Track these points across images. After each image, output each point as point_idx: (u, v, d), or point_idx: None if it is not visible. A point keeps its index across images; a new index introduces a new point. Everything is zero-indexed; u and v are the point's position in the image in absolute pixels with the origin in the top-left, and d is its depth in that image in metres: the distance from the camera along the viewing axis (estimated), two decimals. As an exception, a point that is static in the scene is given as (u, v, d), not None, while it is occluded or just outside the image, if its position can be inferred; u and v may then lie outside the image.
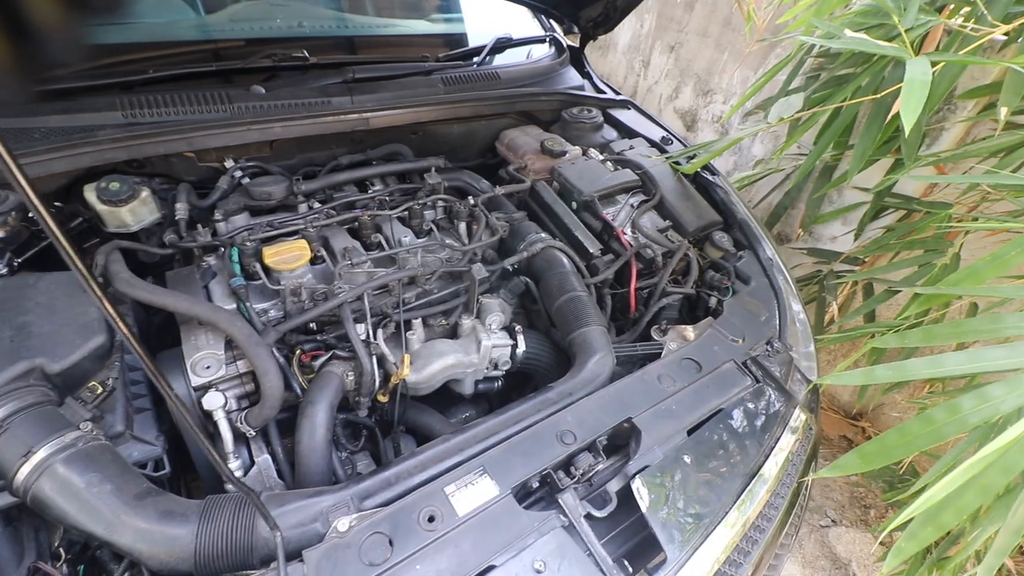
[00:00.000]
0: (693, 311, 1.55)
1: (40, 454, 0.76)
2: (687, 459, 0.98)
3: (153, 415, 0.96)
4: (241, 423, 0.98)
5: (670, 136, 1.89)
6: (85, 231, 1.16)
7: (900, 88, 0.98)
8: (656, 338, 1.31)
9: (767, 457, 1.03)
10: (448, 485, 0.86)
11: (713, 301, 1.47)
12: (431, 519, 0.81)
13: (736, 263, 1.52)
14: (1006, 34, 1.14)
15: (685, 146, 1.87)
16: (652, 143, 1.86)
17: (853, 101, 1.30)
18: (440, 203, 1.44)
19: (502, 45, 1.91)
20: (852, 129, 1.59)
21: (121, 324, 0.49)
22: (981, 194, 1.53)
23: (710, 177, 1.78)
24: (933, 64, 0.96)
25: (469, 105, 1.64)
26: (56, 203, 1.12)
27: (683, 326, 1.30)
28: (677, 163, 1.73)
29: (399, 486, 0.87)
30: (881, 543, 1.97)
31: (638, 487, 0.91)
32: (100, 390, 0.86)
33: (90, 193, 1.13)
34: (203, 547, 0.75)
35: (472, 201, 1.42)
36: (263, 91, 1.39)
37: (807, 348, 1.38)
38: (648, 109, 3.11)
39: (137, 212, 1.18)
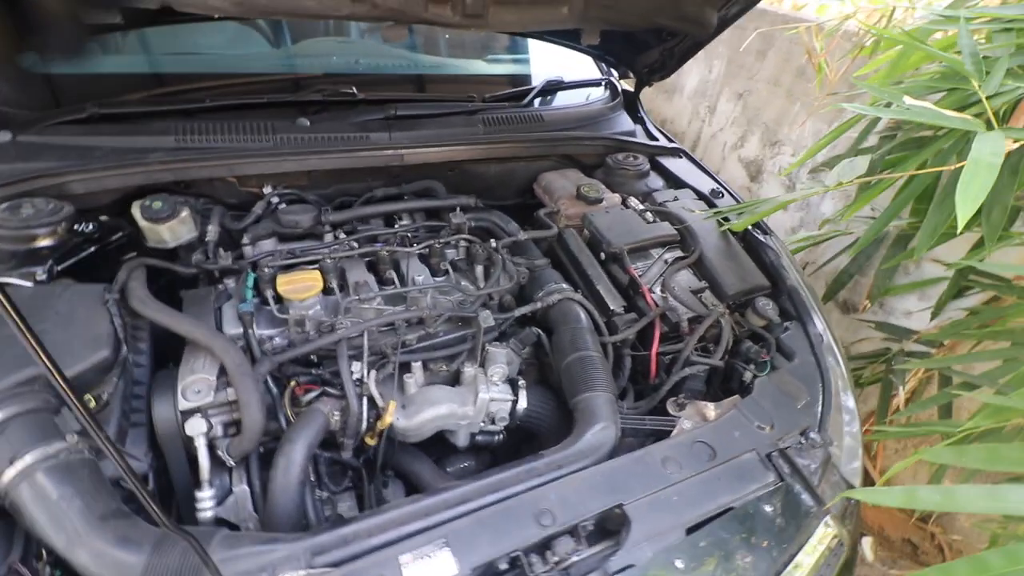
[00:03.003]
0: (726, 383, 1.40)
1: (25, 460, 0.79)
2: (679, 564, 0.86)
3: (147, 431, 0.99)
4: (223, 452, 0.99)
5: (721, 189, 1.77)
6: (124, 245, 1.24)
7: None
8: (671, 412, 1.19)
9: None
10: (404, 554, 0.80)
11: (748, 375, 1.32)
12: (378, 590, 0.76)
13: (780, 335, 1.37)
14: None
15: (737, 201, 1.74)
16: (700, 195, 1.75)
17: (923, 171, 1.14)
18: (463, 243, 1.41)
19: (551, 88, 1.89)
20: (932, 196, 1.41)
21: (43, 357, 0.49)
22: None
23: (761, 237, 1.64)
24: (1016, 141, 0.82)
25: (507, 146, 1.63)
26: (102, 216, 1.21)
27: (704, 403, 1.18)
28: (725, 219, 1.61)
29: (354, 546, 0.82)
30: None
31: (614, 590, 0.81)
32: (93, 403, 0.90)
33: (135, 210, 1.22)
34: (149, 581, 0.74)
35: (493, 244, 1.38)
36: (308, 123, 1.45)
37: (853, 446, 1.20)
38: (711, 156, 2.99)
39: (175, 230, 1.26)
